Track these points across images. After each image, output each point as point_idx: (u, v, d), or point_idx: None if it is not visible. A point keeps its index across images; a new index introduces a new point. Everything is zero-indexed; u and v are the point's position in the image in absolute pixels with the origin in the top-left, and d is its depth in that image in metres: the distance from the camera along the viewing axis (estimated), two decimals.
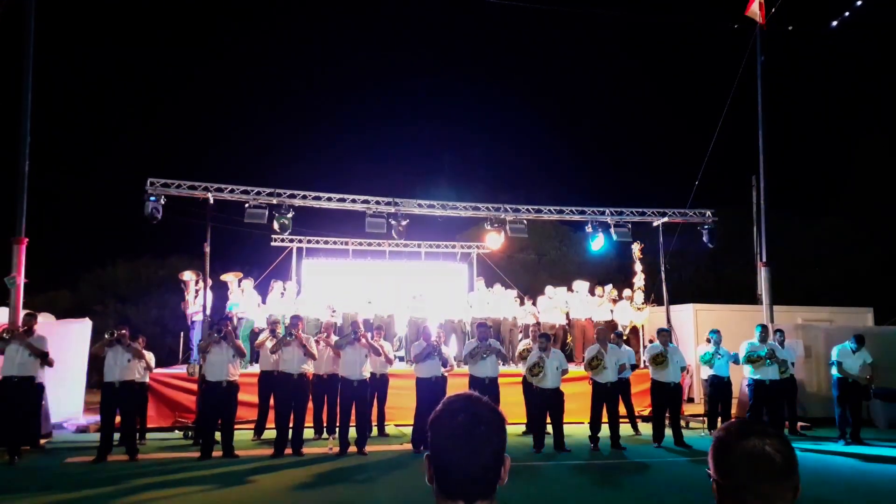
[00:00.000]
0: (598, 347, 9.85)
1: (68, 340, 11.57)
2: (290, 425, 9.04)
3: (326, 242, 16.04)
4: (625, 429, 10.47)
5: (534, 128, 42.19)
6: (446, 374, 9.54)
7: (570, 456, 9.11)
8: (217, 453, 8.67)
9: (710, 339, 10.72)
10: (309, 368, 9.40)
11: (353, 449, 9.04)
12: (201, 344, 8.99)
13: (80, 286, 23.52)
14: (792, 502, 1.41)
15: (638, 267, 14.55)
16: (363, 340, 9.32)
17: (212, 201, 11.76)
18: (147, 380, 10.31)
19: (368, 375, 9.34)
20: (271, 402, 9.85)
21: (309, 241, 15.71)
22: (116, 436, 8.88)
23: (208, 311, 11.73)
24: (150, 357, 10.19)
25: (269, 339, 10.17)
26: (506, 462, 1.43)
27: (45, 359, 8.67)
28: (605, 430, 9.73)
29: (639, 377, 11.69)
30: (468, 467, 1.38)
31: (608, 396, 9.76)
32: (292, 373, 9.11)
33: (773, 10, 13.33)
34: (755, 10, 13.17)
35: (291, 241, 15.17)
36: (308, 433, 10.12)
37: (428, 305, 13.20)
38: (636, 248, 14.54)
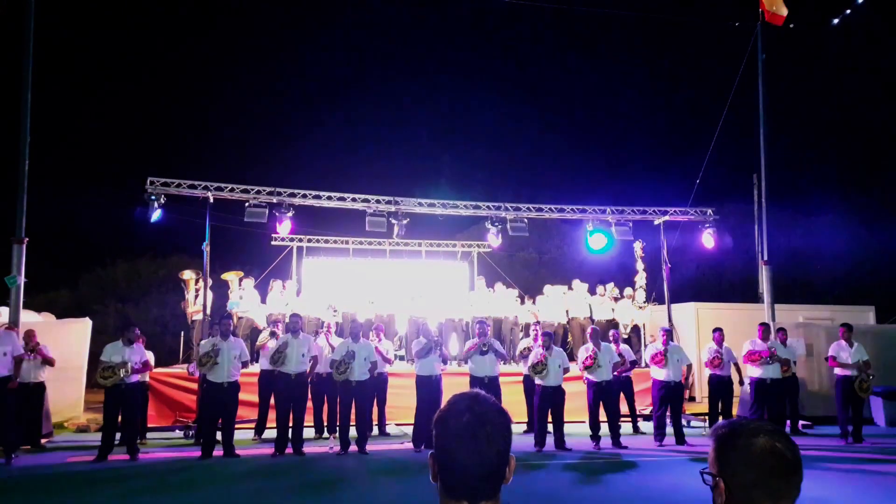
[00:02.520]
0: (591, 347, 9.84)
1: (68, 340, 11.58)
2: (290, 424, 9.03)
3: (327, 241, 16.00)
4: (626, 428, 10.45)
5: (534, 126, 42.13)
6: (440, 372, 9.55)
7: (572, 454, 9.11)
8: (217, 453, 8.65)
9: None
10: (307, 367, 9.35)
11: (353, 448, 9.03)
12: (202, 359, 8.87)
13: (80, 286, 23.52)
14: (796, 498, 1.42)
15: (639, 265, 14.53)
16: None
17: (212, 200, 11.74)
18: (147, 379, 10.31)
19: (367, 376, 9.32)
20: (272, 401, 9.83)
21: (309, 241, 15.67)
22: (117, 435, 8.86)
23: (208, 311, 11.72)
24: (149, 356, 10.19)
25: (270, 339, 10.16)
26: (510, 462, 1.43)
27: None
28: (605, 429, 9.72)
29: (640, 375, 11.67)
30: (473, 467, 1.37)
31: (604, 394, 9.75)
32: (290, 372, 9.08)
33: (775, 8, 13.29)
34: (779, 10, 13.02)
35: (291, 240, 15.15)
36: (309, 433, 10.12)
37: (428, 304, 13.19)
38: (637, 246, 14.51)
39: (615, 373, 9.97)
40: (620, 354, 10.28)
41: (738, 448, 1.44)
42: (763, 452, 1.41)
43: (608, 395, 9.80)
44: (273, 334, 10.33)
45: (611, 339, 10.61)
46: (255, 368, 10.71)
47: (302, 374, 9.18)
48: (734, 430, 1.47)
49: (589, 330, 10.30)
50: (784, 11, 13.07)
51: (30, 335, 9.20)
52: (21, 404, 8.79)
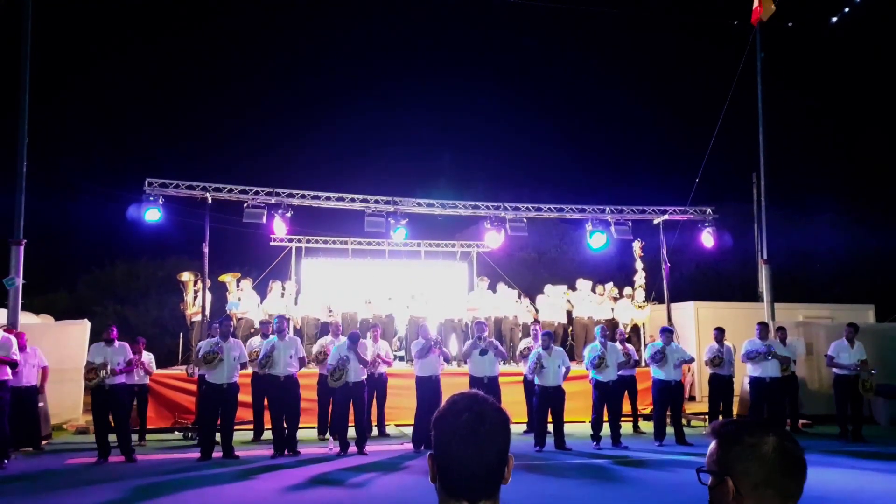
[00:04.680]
0: (599, 346, 9.82)
1: (67, 342, 11.54)
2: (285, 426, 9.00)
3: (325, 242, 15.95)
4: (626, 427, 10.44)
5: (533, 126, 42.14)
6: (440, 372, 9.54)
7: (572, 454, 9.10)
8: (217, 454, 8.63)
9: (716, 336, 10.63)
10: (296, 369, 9.31)
11: (353, 449, 9.01)
12: (207, 356, 8.80)
13: (79, 287, 23.52)
14: (799, 498, 1.42)
15: (639, 265, 14.50)
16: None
17: (210, 201, 11.72)
18: (147, 381, 10.28)
19: (365, 377, 9.31)
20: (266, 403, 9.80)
21: (308, 241, 15.62)
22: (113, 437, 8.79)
23: (207, 312, 11.69)
24: (149, 359, 10.15)
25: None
26: (509, 461, 1.42)
27: None
28: (605, 429, 9.70)
29: (640, 375, 11.65)
30: (472, 467, 1.37)
31: (610, 395, 9.73)
32: (279, 375, 9.05)
33: (773, 7, 13.26)
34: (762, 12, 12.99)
35: (290, 240, 15.10)
36: (311, 433, 10.11)
37: (428, 305, 13.16)
38: (637, 245, 14.49)
39: (619, 371, 9.96)
40: (627, 354, 10.28)
41: (747, 446, 1.41)
42: (774, 451, 1.40)
43: (613, 395, 9.79)
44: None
45: (616, 338, 10.59)
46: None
47: (291, 376, 9.16)
48: (742, 428, 1.45)
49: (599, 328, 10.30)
50: (754, 5, 13.02)
51: (20, 337, 9.14)
52: (15, 407, 8.71)
